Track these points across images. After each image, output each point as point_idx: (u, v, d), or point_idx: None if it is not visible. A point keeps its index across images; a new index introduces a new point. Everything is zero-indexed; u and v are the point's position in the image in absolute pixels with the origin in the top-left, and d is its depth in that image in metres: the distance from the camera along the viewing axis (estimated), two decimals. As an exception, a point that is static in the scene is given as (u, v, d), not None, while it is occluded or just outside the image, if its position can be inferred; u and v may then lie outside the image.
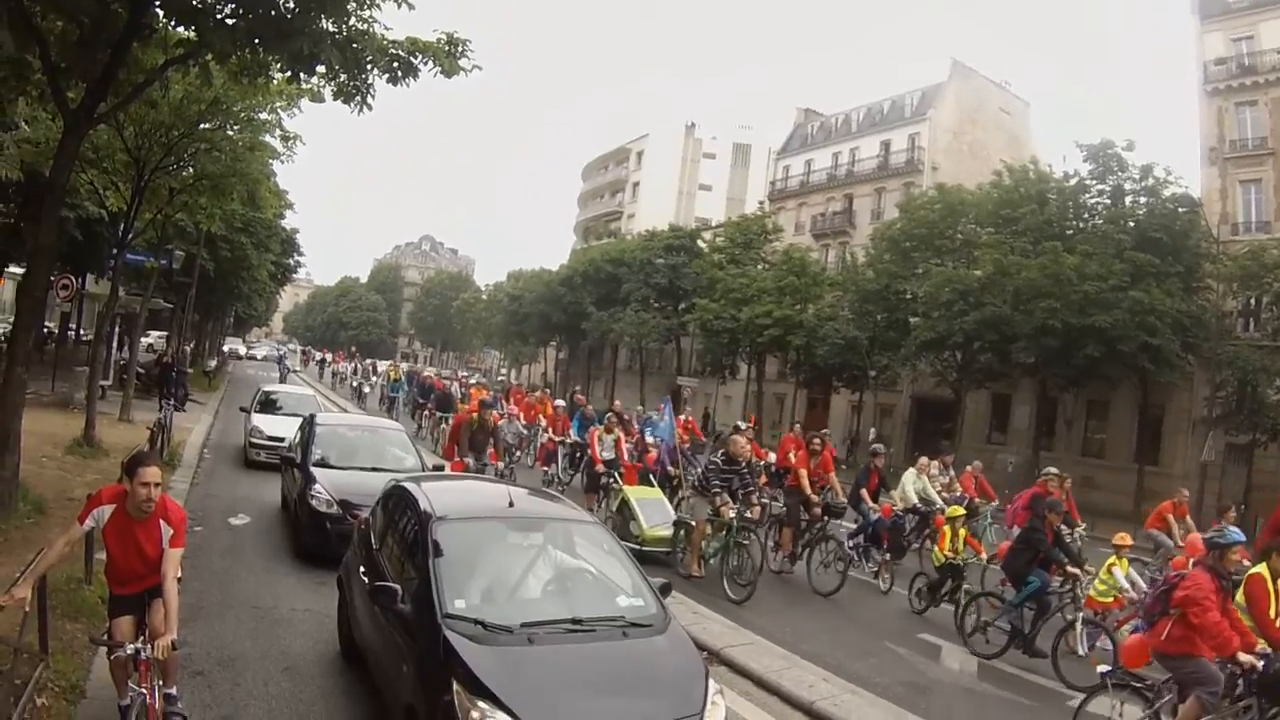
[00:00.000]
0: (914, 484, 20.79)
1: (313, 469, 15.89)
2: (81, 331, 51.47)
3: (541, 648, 7.22)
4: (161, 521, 7.12)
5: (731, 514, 16.34)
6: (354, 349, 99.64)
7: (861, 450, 48.90)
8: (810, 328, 55.96)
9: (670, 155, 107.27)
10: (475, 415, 20.01)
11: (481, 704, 6.46)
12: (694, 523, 16.95)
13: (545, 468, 26.68)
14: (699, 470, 23.91)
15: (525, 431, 28.90)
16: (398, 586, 7.86)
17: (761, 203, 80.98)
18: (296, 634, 11.05)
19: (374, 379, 58.30)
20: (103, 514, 7.11)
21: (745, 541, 16.19)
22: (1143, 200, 44.35)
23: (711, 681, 7.45)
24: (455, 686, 6.60)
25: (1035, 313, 40.44)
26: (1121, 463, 44.95)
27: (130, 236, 27.01)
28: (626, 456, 22.04)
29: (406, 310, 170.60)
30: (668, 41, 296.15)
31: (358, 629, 9.46)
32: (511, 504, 9.11)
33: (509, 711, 6.42)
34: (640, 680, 7.34)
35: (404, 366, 59.51)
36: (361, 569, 9.42)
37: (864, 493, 19.11)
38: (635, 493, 19.43)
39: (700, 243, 76.11)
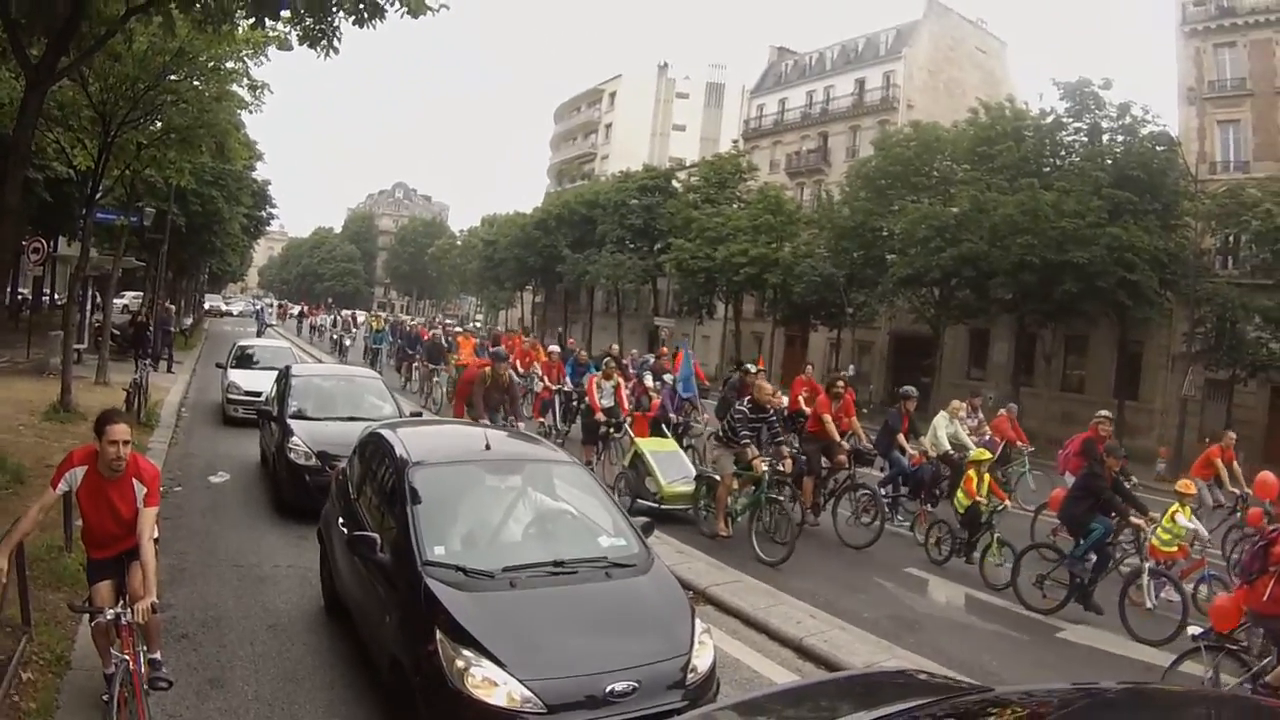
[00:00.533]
0: (946, 428, 19.18)
1: (290, 421, 15.83)
2: (56, 296, 51.14)
3: (524, 592, 7.18)
4: (134, 480, 7.05)
5: (765, 467, 14.98)
6: (330, 300, 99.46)
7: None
8: (786, 266, 55.87)
9: (643, 96, 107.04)
10: (487, 371, 18.08)
11: (466, 652, 6.42)
12: (719, 477, 15.73)
13: (541, 419, 25.46)
14: (705, 417, 24.29)
15: (521, 380, 26.24)
16: (376, 535, 7.78)
17: (735, 142, 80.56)
18: (280, 591, 11.03)
19: (354, 331, 56.86)
20: (75, 476, 7.03)
21: (780, 497, 14.96)
22: (1120, 139, 44.02)
23: (698, 620, 7.44)
24: (438, 635, 6.57)
25: (1012, 249, 40.39)
26: (1101, 397, 44.64)
27: (99, 195, 26.56)
28: (627, 404, 20.82)
29: (382, 259, 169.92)
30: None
31: (340, 581, 9.40)
32: (488, 446, 9.00)
33: (494, 658, 6.39)
34: (626, 621, 7.33)
35: (385, 316, 59.16)
36: (340, 520, 9.31)
37: (900, 438, 18.03)
38: (649, 445, 18.10)
39: (675, 183, 75.78)
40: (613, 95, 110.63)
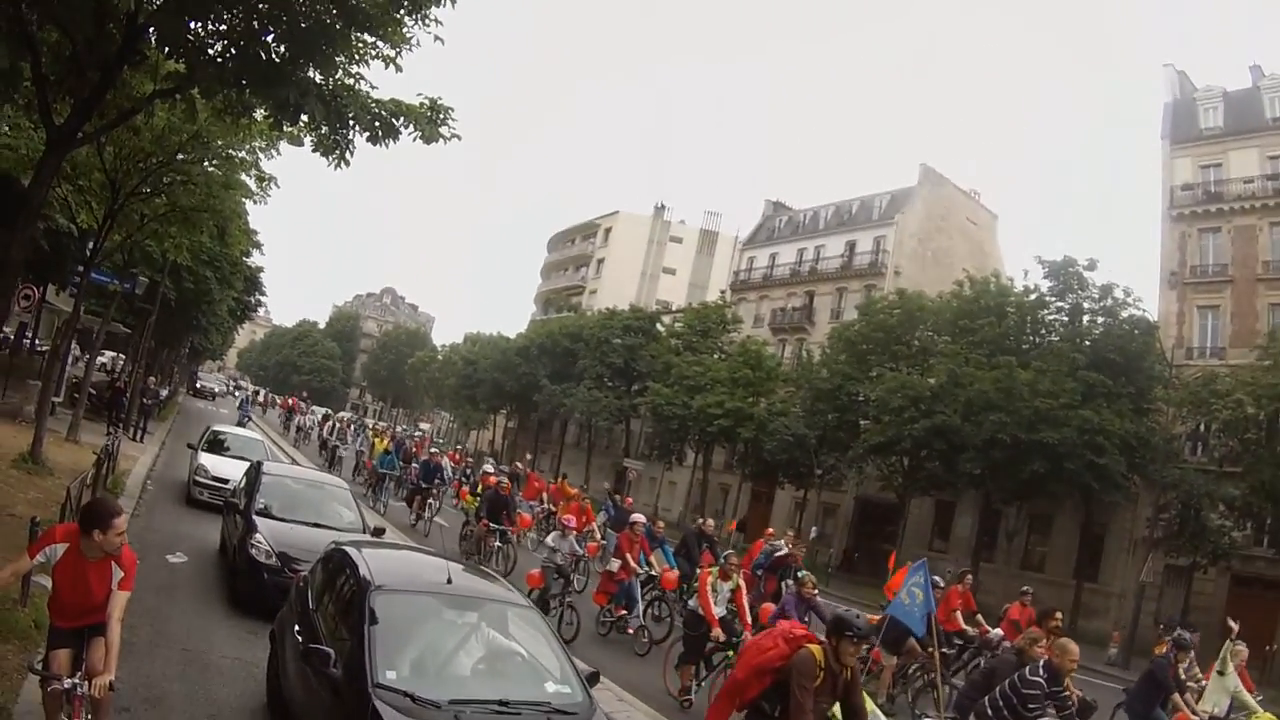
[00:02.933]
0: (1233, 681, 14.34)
1: (255, 518, 15.78)
2: (37, 341, 51.10)
3: None
4: (114, 563, 7.11)
5: None
6: (306, 395, 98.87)
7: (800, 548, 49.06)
8: (761, 421, 56.05)
9: (637, 235, 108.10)
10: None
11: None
12: None
13: (610, 607, 19.17)
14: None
15: (580, 549, 21.30)
16: (331, 651, 7.89)
17: (723, 292, 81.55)
18: (225, 681, 11.07)
19: (349, 441, 51.34)
20: (55, 551, 7.07)
21: None
22: (1100, 320, 44.93)
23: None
24: (379, 755, 6.55)
25: (985, 424, 40.95)
26: (1061, 577, 45.05)
27: (98, 258, 26.95)
28: (748, 614, 15.40)
29: (361, 361, 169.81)
30: (645, 115, 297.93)
31: (287, 685, 9.41)
32: (450, 580, 9.10)
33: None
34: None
35: (383, 427, 57.47)
36: (296, 627, 9.40)
37: (1179, 699, 13.42)
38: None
39: (659, 326, 76.56)
40: (608, 231, 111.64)
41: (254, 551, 14.65)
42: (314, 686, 8.15)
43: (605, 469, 73.40)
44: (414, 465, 34.19)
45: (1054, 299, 46.61)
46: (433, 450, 36.97)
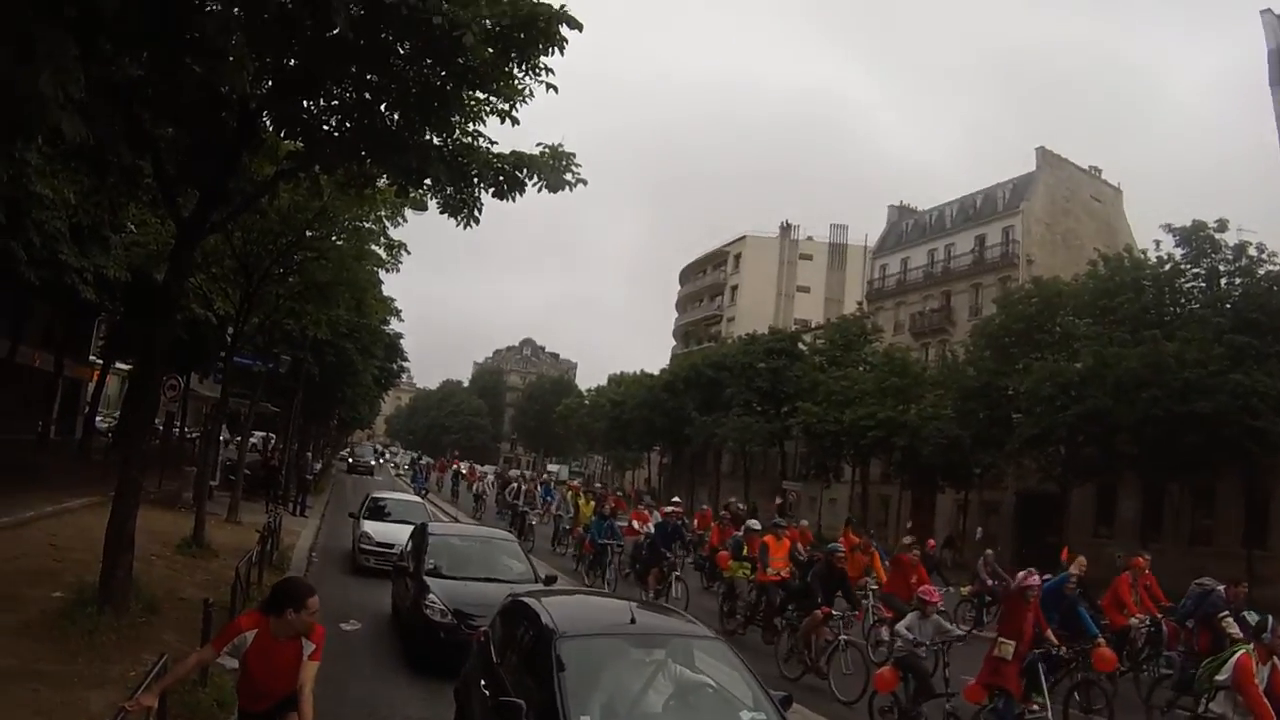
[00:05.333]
0: None
1: (426, 578, 15.97)
2: (187, 430, 52.46)
3: None
4: (303, 639, 7.27)
5: None
6: (456, 453, 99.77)
7: (970, 549, 48.38)
8: (914, 428, 55.46)
9: (767, 257, 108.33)
10: None
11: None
12: None
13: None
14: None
15: (953, 629, 14.92)
16: (522, 703, 7.83)
17: (860, 303, 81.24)
18: (412, 744, 10.91)
19: (545, 502, 40.89)
20: (245, 640, 7.22)
21: None
22: (1238, 281, 43.92)
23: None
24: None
25: (1137, 403, 39.93)
26: (1231, 548, 43.59)
27: (239, 342, 27.61)
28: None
29: (509, 415, 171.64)
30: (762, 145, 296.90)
31: (480, 742, 9.41)
32: (633, 620, 9.10)
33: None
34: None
35: (577, 484, 49.39)
36: (482, 682, 9.44)
37: None
38: None
39: (801, 345, 76.05)
40: (737, 257, 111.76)
41: (429, 612, 14.81)
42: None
43: (764, 494, 73.01)
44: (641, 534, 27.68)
45: (1188, 266, 45.52)
46: (670, 507, 29.23)
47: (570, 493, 37.95)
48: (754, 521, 23.77)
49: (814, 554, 20.59)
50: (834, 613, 16.55)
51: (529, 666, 8.64)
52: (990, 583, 25.26)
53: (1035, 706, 12.77)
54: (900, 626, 14.00)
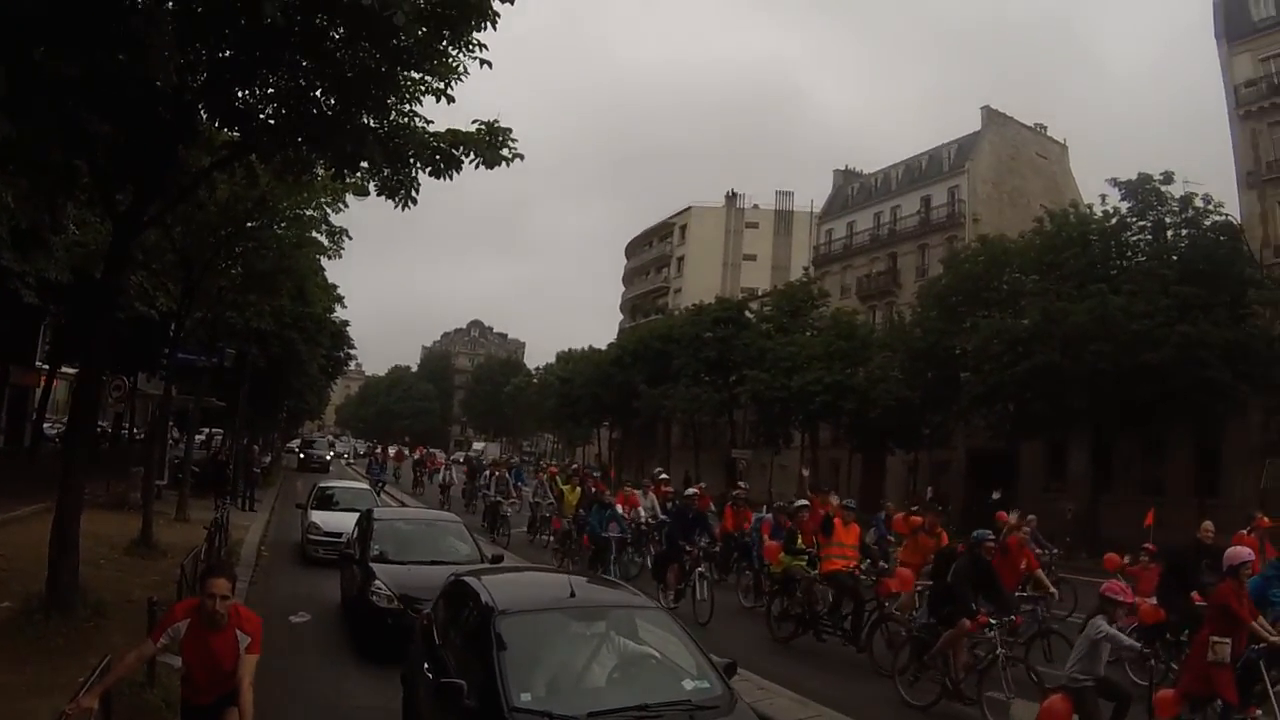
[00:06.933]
0: None
1: (372, 565, 15.90)
2: (136, 430, 51.89)
3: None
4: (237, 631, 7.24)
5: None
6: (407, 439, 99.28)
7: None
8: (862, 391, 55.74)
9: (713, 227, 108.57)
10: None
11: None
12: None
13: None
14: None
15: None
16: (463, 683, 7.82)
17: (806, 269, 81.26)
18: (362, 733, 10.92)
19: (516, 487, 36.30)
20: (179, 630, 7.23)
21: None
22: (1184, 232, 44.13)
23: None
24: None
25: (1085, 357, 40.07)
26: (1182, 496, 43.86)
27: (181, 336, 27.29)
28: None
29: (458, 398, 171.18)
30: (705, 116, 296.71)
31: (424, 726, 9.41)
32: (573, 594, 9.07)
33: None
34: (710, 764, 7.18)
35: (557, 467, 46.21)
36: (425, 665, 9.40)
37: None
38: None
39: (748, 313, 76.09)
40: (683, 228, 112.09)
41: (375, 599, 14.77)
42: (451, 721, 8.21)
43: (714, 463, 73.11)
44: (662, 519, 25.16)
45: (1134, 219, 45.62)
46: (694, 491, 24.92)
47: (549, 476, 35.52)
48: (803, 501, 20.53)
49: (955, 544, 16.87)
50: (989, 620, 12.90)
51: (470, 646, 8.67)
52: (1039, 552, 19.79)
53: (1258, 713, 10.43)
54: (1104, 628, 10.61)
